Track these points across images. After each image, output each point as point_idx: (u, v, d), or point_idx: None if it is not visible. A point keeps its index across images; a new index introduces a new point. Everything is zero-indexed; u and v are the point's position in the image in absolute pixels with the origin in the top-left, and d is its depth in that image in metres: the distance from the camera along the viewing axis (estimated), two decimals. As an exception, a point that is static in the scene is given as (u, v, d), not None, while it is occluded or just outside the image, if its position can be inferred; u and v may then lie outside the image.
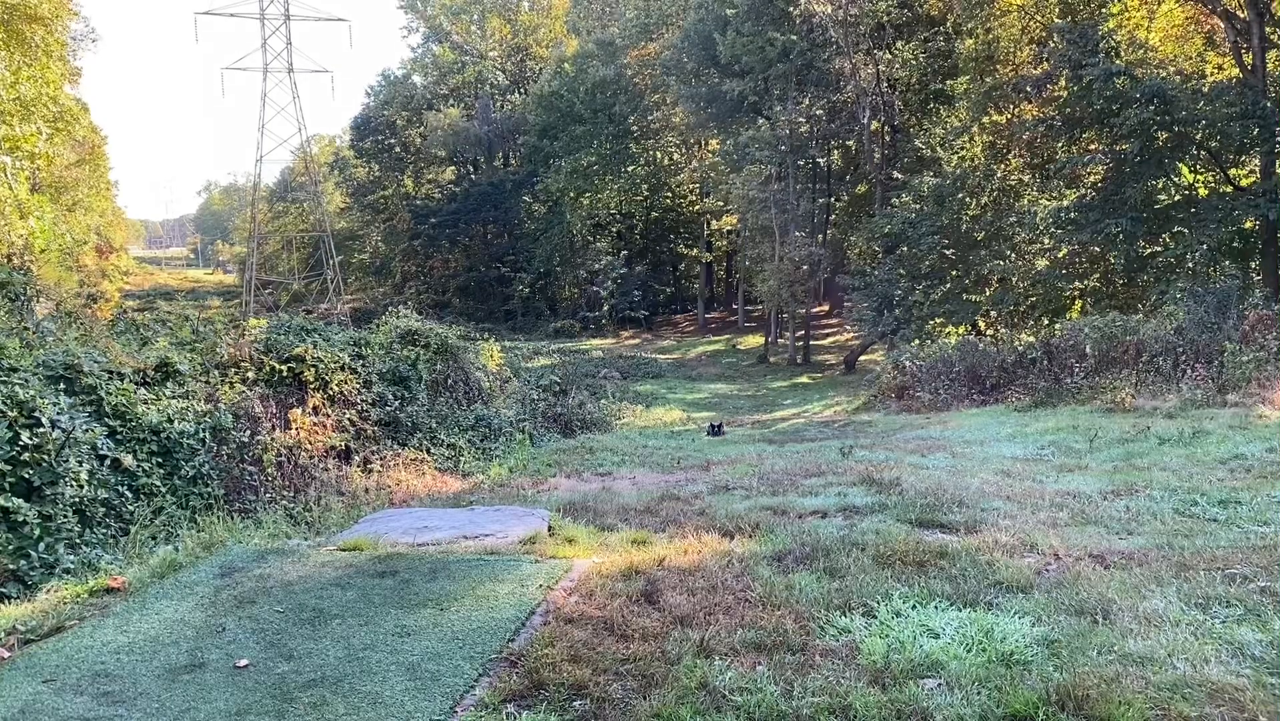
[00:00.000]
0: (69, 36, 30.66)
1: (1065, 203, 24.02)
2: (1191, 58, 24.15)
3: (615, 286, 47.51)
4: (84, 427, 7.09)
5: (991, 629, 3.43)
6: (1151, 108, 20.11)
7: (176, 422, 8.80)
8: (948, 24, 30.58)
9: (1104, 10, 23.36)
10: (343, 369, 11.34)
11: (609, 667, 3.16)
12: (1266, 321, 13.83)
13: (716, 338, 45.13)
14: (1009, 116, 25.63)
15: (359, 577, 4.26)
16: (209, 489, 8.81)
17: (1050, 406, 13.51)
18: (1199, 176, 22.36)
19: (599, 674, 3.10)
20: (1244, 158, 21.96)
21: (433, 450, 11.66)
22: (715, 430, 15.86)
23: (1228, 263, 21.00)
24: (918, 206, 28.67)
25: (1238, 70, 21.57)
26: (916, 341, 22.80)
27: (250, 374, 10.28)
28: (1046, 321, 22.89)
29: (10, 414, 6.35)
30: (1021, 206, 25.87)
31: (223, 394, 9.70)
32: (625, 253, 49.94)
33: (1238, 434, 8.93)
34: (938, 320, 26.09)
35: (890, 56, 32.59)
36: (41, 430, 6.49)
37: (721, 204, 46.13)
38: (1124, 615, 3.49)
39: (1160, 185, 21.83)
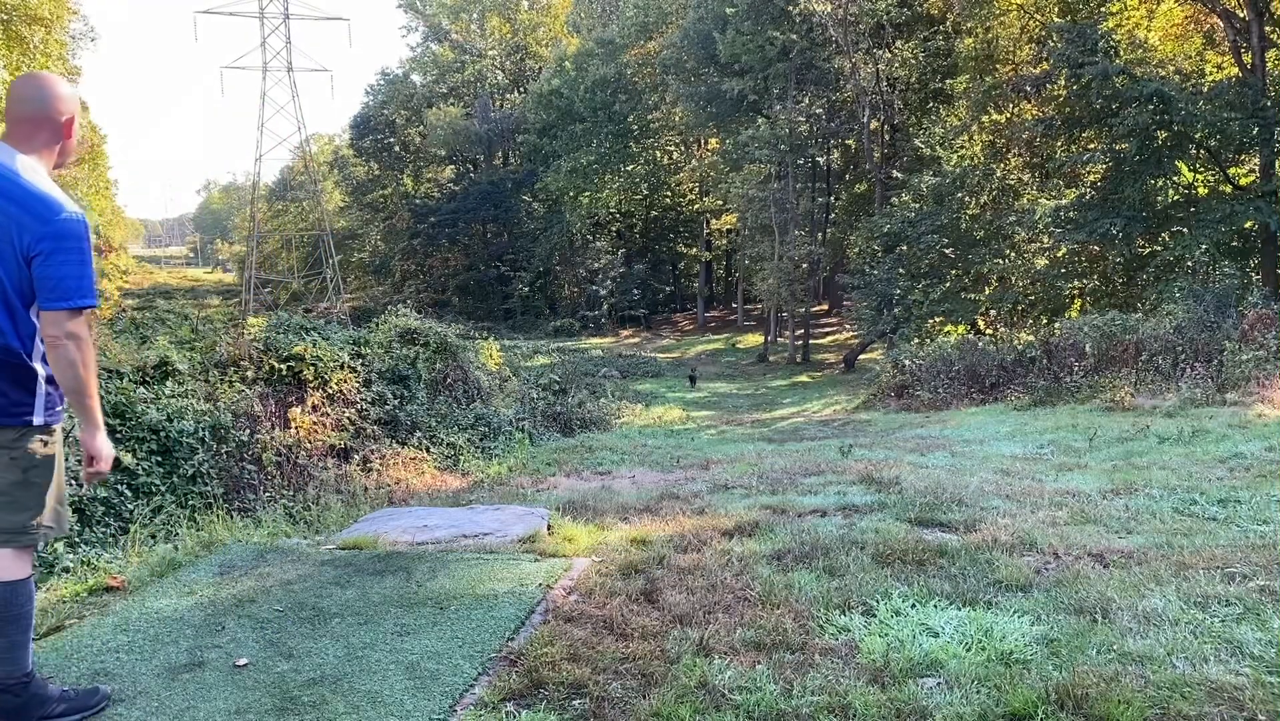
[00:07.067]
0: (68, 36, 30.63)
1: (1065, 202, 24.03)
2: (1191, 57, 24.17)
3: (615, 285, 47.52)
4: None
5: (991, 627, 3.43)
6: (1150, 107, 20.12)
7: (176, 421, 8.80)
8: (947, 23, 30.60)
9: (1103, 10, 23.37)
10: (342, 367, 11.34)
11: (608, 666, 3.16)
12: (1266, 320, 13.83)
13: (716, 336, 45.15)
14: (1009, 116, 25.66)
15: (358, 576, 4.26)
16: (208, 487, 8.82)
17: (1050, 405, 13.52)
18: (1198, 176, 22.37)
19: (598, 672, 3.10)
20: (1244, 157, 21.97)
21: (432, 449, 11.65)
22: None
23: (1227, 262, 21.02)
24: (917, 205, 28.68)
25: (1237, 70, 21.57)
26: (916, 340, 22.81)
27: (250, 372, 10.29)
28: (1046, 320, 22.90)
29: (9, 412, 6.34)
30: (1021, 205, 25.88)
31: (222, 393, 9.70)
32: (624, 251, 49.93)
33: (1237, 432, 8.93)
34: (937, 319, 26.12)
35: (890, 55, 32.60)
36: (41, 429, 6.48)
37: (721, 203, 46.13)
38: (1123, 614, 3.49)
39: (1159, 185, 21.84)
